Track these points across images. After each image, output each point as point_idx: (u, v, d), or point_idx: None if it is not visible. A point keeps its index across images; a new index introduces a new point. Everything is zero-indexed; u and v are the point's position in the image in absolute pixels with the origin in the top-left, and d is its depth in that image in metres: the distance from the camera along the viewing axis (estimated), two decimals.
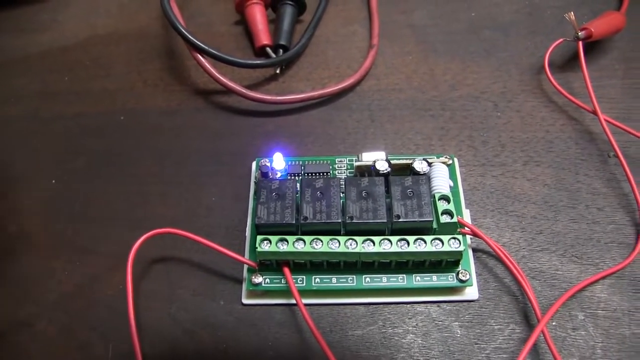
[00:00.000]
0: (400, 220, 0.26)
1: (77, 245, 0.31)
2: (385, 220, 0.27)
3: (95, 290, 0.30)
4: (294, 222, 0.27)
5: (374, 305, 0.28)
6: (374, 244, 0.26)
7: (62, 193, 0.33)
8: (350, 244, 0.26)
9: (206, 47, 0.34)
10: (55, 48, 0.41)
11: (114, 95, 0.37)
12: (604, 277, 0.28)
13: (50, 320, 0.29)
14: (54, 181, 0.34)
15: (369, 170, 0.29)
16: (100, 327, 0.28)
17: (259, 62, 0.35)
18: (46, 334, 0.28)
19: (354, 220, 0.26)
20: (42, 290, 0.30)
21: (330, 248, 0.26)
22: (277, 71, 0.37)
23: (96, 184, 0.33)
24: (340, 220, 0.27)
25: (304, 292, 0.27)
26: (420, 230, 0.27)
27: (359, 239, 0.26)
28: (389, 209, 0.27)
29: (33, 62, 0.40)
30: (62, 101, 0.38)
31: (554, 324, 0.27)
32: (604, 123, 0.32)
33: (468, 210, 0.30)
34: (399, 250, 0.26)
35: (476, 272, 0.29)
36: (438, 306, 0.28)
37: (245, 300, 0.28)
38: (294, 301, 0.27)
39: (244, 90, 0.34)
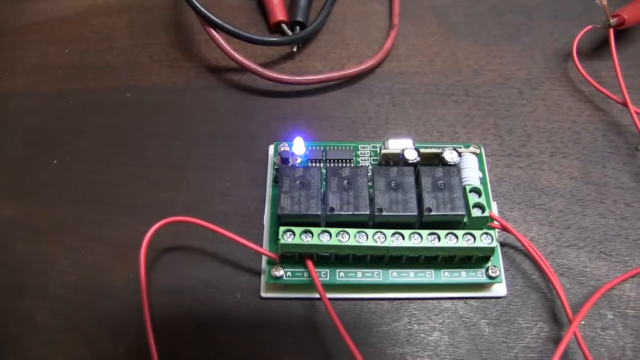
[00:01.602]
0: (431, 213, 0.25)
1: (80, 231, 0.29)
2: (415, 213, 0.25)
3: (101, 281, 0.28)
4: (319, 212, 0.25)
5: (400, 301, 0.27)
6: (403, 238, 0.25)
7: (64, 175, 0.31)
8: (379, 238, 0.25)
9: (220, 22, 0.32)
10: (53, 18, 0.38)
11: (118, 70, 0.35)
12: (633, 276, 0.27)
13: (53, 313, 0.27)
14: (55, 162, 0.32)
15: (396, 159, 0.28)
16: (107, 320, 0.27)
17: (276, 39, 0.33)
18: (49, 326, 0.27)
19: (384, 213, 0.25)
20: (43, 280, 0.28)
21: (358, 242, 0.25)
22: (294, 49, 0.35)
23: (100, 166, 0.31)
24: (368, 212, 0.25)
25: (327, 286, 0.26)
26: (451, 223, 0.26)
27: (388, 232, 0.25)
28: (419, 200, 0.26)
29: (29, 33, 0.38)
30: (62, 76, 0.35)
31: (582, 323, 0.26)
32: (634, 115, 0.30)
33: (495, 203, 0.29)
34: (430, 245, 0.25)
35: (504, 268, 0.27)
36: (465, 302, 0.27)
37: (263, 294, 0.27)
38: (316, 295, 0.26)
39: (259, 69, 0.32)
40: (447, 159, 0.27)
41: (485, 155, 0.31)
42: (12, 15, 0.38)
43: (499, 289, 0.27)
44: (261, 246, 0.27)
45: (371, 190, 0.26)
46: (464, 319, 0.27)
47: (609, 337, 0.26)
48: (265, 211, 0.28)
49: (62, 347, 0.26)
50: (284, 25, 0.35)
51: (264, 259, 0.27)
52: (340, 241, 0.25)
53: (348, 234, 0.25)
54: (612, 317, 0.26)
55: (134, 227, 0.29)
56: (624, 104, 0.31)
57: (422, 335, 0.26)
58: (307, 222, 0.25)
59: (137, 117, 0.33)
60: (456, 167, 0.27)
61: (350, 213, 0.25)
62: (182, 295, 0.27)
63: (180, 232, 0.29)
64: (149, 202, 0.30)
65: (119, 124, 0.33)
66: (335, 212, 0.25)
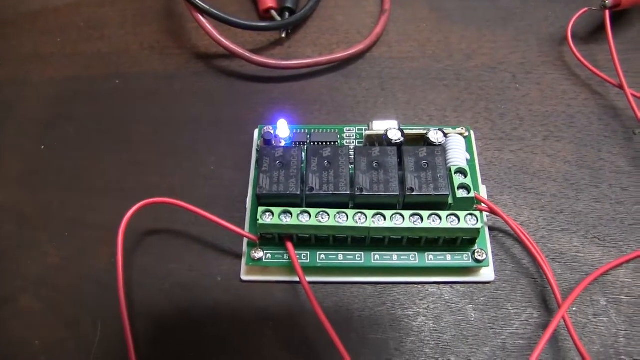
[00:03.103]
0: (413, 193, 0.24)
1: (65, 215, 0.29)
2: (397, 193, 0.25)
3: (84, 264, 0.28)
4: (298, 192, 0.25)
5: (383, 285, 0.26)
6: (384, 218, 0.24)
7: (51, 160, 0.31)
8: (360, 218, 0.24)
9: (208, 8, 0.32)
10: (47, 8, 0.38)
11: (108, 58, 0.35)
12: (628, 261, 0.26)
13: (35, 295, 0.27)
14: (43, 147, 0.32)
15: (380, 140, 0.27)
16: (90, 303, 0.27)
17: (264, 24, 0.33)
18: (31, 309, 0.27)
19: (364, 193, 0.24)
20: (27, 263, 0.28)
21: (338, 222, 0.24)
22: (283, 35, 0.34)
23: (87, 152, 0.31)
24: (348, 192, 0.25)
25: (308, 269, 0.25)
26: (434, 204, 0.25)
27: (369, 212, 0.24)
28: (402, 181, 0.25)
29: (24, 23, 0.38)
30: (54, 64, 0.35)
31: (574, 309, 0.25)
32: (631, 98, 0.30)
33: (484, 186, 0.28)
34: (412, 226, 0.24)
35: (493, 253, 0.27)
36: (451, 287, 0.26)
37: (244, 277, 0.26)
38: (296, 279, 0.25)
39: (247, 54, 0.32)
40: (431, 139, 0.27)
41: (476, 139, 0.30)
42: (7, 6, 0.39)
43: (487, 273, 0.26)
44: (243, 228, 0.27)
45: (352, 170, 0.25)
46: (449, 304, 0.26)
47: (602, 324, 0.25)
48: (248, 194, 0.28)
49: (44, 330, 0.26)
50: (273, 12, 0.35)
51: (245, 241, 0.27)
52: (320, 222, 0.24)
53: (328, 214, 0.24)
54: (605, 303, 0.25)
55: (118, 211, 0.28)
56: (621, 87, 0.30)
57: (406, 321, 0.25)
58: (286, 202, 0.25)
59: (126, 103, 0.33)
60: (441, 147, 0.26)
61: (330, 193, 0.25)
62: (163, 278, 0.27)
63: (163, 215, 0.28)
64: (135, 187, 0.30)
65: (107, 111, 0.33)
66: (314, 192, 0.25)
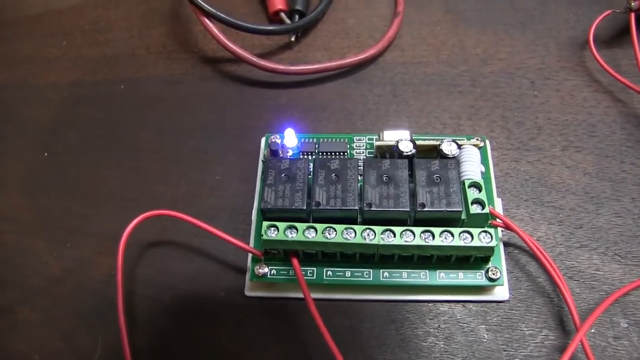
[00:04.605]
0: (425, 209, 0.23)
1: (66, 225, 0.29)
2: (408, 209, 0.23)
3: (84, 275, 0.27)
4: (304, 207, 0.24)
5: (392, 303, 0.25)
6: (394, 235, 0.23)
7: (53, 167, 0.31)
8: (368, 235, 0.23)
9: (215, 11, 0.31)
10: (51, 11, 0.38)
11: (113, 62, 0.35)
12: None
13: (33, 307, 0.27)
14: (46, 154, 0.31)
15: (391, 151, 0.26)
16: (89, 316, 0.26)
17: (272, 28, 0.32)
18: (28, 321, 0.26)
19: (373, 208, 0.23)
20: (25, 274, 0.27)
21: (345, 238, 0.23)
22: (292, 39, 0.34)
23: (90, 159, 0.31)
24: (357, 207, 0.24)
25: (314, 286, 0.24)
26: (447, 221, 0.24)
27: (378, 229, 0.23)
28: (413, 196, 0.24)
29: (26, 25, 0.37)
30: (57, 68, 0.35)
31: (592, 331, 0.24)
32: None
33: (500, 199, 0.27)
34: (423, 243, 0.23)
35: (507, 270, 0.26)
36: (463, 306, 0.25)
37: (248, 293, 0.26)
38: (302, 295, 0.24)
39: (254, 59, 0.31)
40: (445, 151, 0.25)
41: (491, 149, 0.29)
42: (9, 8, 0.38)
43: (501, 292, 0.25)
44: (248, 242, 0.26)
45: (361, 184, 0.24)
46: (461, 323, 0.25)
47: (622, 347, 0.24)
48: (254, 206, 0.27)
49: (41, 342, 0.26)
50: (282, 14, 0.34)
51: (250, 256, 0.26)
52: (327, 238, 0.23)
53: (335, 230, 0.23)
54: (626, 325, 0.24)
55: (120, 221, 0.27)
56: None
57: (415, 341, 0.24)
58: (292, 217, 0.24)
59: (130, 109, 0.32)
60: (454, 159, 0.25)
61: (337, 208, 0.24)
62: (164, 291, 0.26)
63: (167, 226, 0.28)
64: (138, 196, 0.29)
65: (112, 117, 0.32)
66: (321, 207, 0.24)
